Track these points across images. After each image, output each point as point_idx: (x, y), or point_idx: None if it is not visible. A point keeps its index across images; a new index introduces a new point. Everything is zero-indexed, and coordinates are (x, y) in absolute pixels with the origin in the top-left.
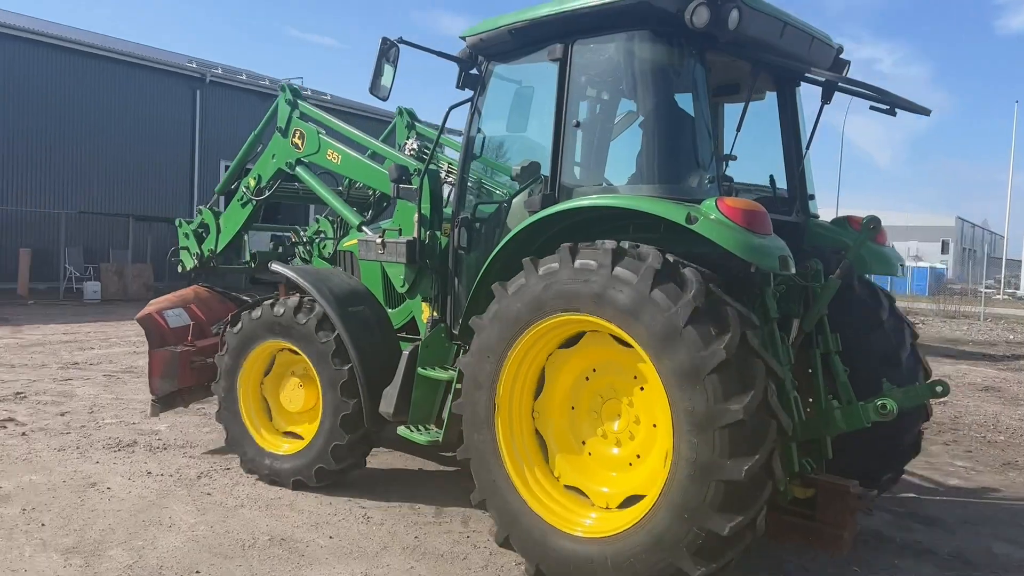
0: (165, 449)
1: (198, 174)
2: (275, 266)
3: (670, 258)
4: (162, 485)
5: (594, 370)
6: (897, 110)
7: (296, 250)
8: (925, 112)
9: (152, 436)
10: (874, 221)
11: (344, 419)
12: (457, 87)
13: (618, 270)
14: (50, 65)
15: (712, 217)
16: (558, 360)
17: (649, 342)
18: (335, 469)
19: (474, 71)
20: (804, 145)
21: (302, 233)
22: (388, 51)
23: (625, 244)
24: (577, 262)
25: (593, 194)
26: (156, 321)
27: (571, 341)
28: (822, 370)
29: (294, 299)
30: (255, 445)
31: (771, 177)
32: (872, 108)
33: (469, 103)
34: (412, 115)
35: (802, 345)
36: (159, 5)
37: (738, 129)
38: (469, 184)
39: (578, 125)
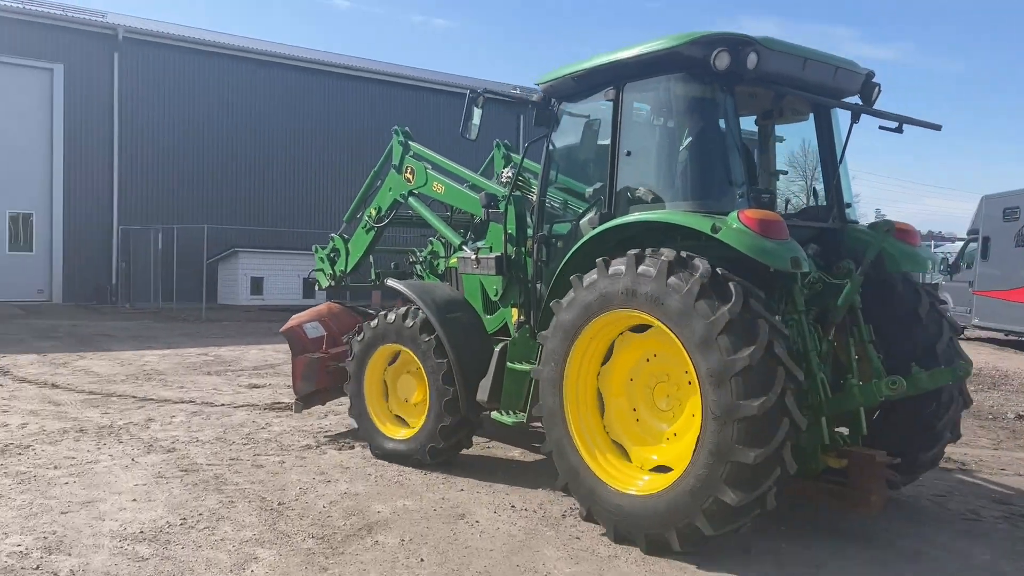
0: (524, 478)
1: None
2: (390, 281)
3: (717, 271)
4: (528, 523)
5: (655, 355)
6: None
7: (414, 268)
8: (936, 127)
9: (512, 464)
10: (887, 224)
11: (447, 404)
12: (535, 125)
13: (671, 279)
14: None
15: (734, 226)
16: (627, 339)
17: (691, 344)
18: (443, 447)
19: (547, 111)
20: (838, 160)
21: (419, 254)
22: (475, 100)
23: (682, 255)
24: (640, 267)
25: (643, 210)
26: (297, 333)
27: (641, 328)
28: (856, 355)
29: (403, 308)
30: (380, 434)
31: (814, 188)
32: (881, 128)
33: (544, 138)
34: (508, 147)
35: (846, 332)
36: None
37: (762, 150)
38: (547, 206)
39: (629, 154)
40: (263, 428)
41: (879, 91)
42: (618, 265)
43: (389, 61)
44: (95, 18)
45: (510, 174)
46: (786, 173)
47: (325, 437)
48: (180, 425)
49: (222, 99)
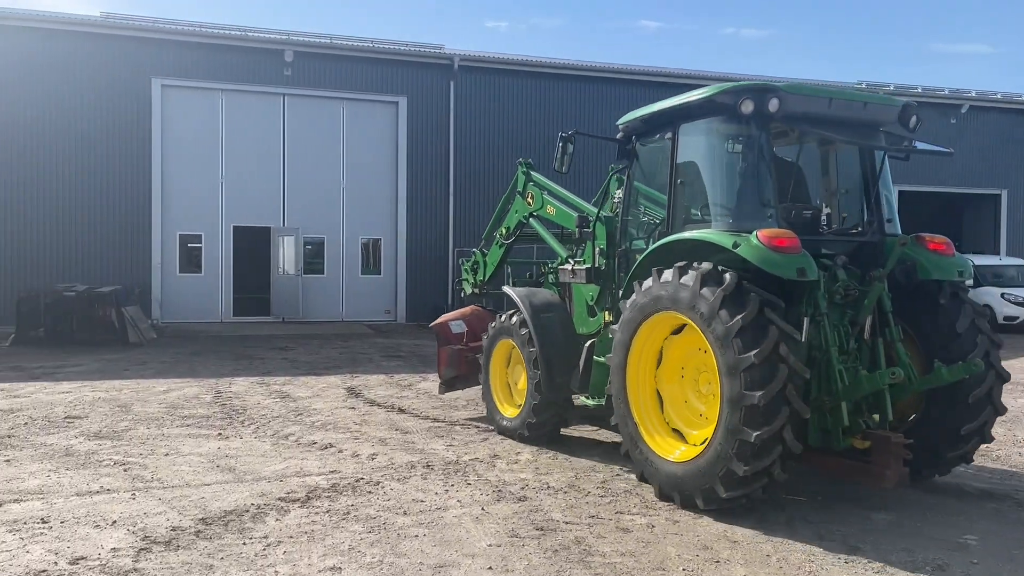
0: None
1: None
2: (505, 288)
3: (744, 283)
4: None
5: (700, 349)
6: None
7: (546, 278)
8: (948, 154)
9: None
10: (904, 239)
11: (535, 386)
12: (617, 158)
13: (704, 289)
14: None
15: (751, 243)
16: (671, 343)
17: (715, 342)
18: (536, 422)
19: (628, 146)
20: (876, 179)
21: (549, 266)
22: (568, 138)
23: (717, 268)
24: (682, 278)
25: (692, 230)
26: (444, 328)
27: (678, 330)
28: (885, 354)
29: (512, 310)
30: (499, 412)
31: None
32: (890, 156)
33: (626, 169)
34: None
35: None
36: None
37: (823, 172)
38: (628, 226)
39: (682, 183)
40: (618, 475)
41: (918, 120)
42: (667, 274)
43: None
44: (434, 50)
45: (620, 196)
46: (847, 192)
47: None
48: (527, 465)
49: (546, 115)
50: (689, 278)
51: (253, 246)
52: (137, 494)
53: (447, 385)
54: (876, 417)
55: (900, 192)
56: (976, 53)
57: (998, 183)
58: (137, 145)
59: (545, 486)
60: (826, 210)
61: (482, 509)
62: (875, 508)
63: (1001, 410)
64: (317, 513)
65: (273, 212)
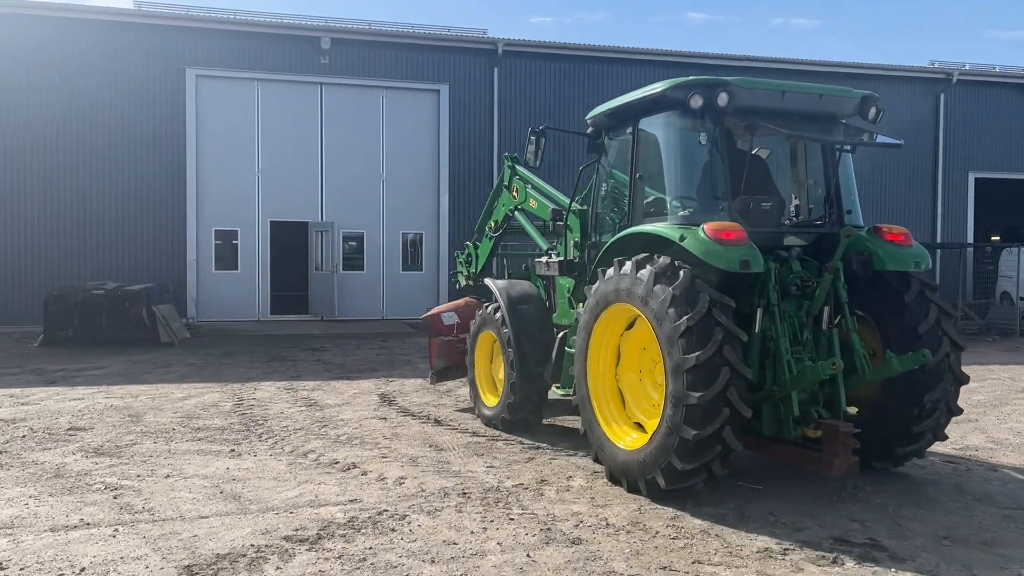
0: None
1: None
2: (487, 280)
3: (697, 281)
4: None
5: (650, 343)
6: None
7: (532, 271)
8: (898, 146)
9: None
10: (848, 230)
11: (511, 376)
12: (587, 152)
13: (656, 286)
14: None
15: (698, 236)
16: (627, 339)
17: (662, 340)
18: (511, 417)
19: (597, 141)
20: (832, 172)
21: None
22: (539, 134)
23: (674, 264)
24: (639, 271)
25: (649, 223)
26: (435, 320)
27: (633, 324)
28: (840, 345)
29: (494, 303)
30: (482, 402)
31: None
32: (837, 149)
33: (596, 163)
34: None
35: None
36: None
37: (792, 164)
38: (596, 220)
39: (641, 177)
40: (690, 508)
41: (878, 111)
42: (627, 266)
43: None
44: (477, 35)
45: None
46: (809, 184)
47: (761, 550)
48: (581, 494)
49: (593, 102)
50: (645, 273)
51: (290, 242)
52: (120, 530)
53: (439, 375)
54: (854, 410)
55: (976, 179)
56: None
57: None
58: (171, 138)
59: (603, 523)
60: (794, 202)
61: (527, 556)
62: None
63: (956, 411)
64: (327, 559)
65: (311, 206)
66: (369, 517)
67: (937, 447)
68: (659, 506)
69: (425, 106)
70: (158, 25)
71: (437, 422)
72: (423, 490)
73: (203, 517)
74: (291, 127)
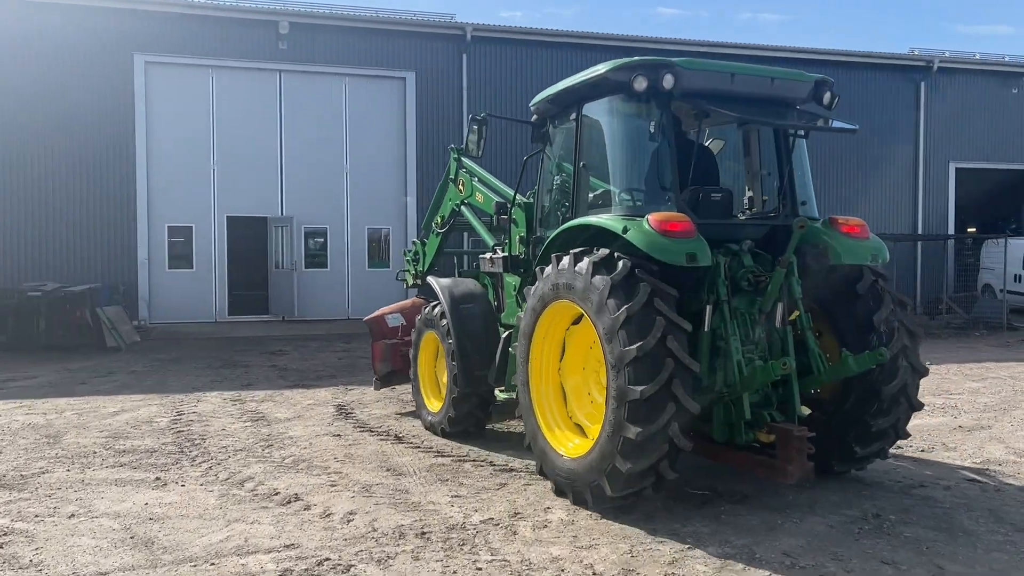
0: None
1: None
2: (429, 278)
3: (636, 271)
4: None
5: (594, 342)
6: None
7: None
8: (853, 131)
9: None
10: (801, 221)
11: (453, 379)
12: (531, 141)
13: (595, 278)
14: None
15: (642, 228)
16: (573, 334)
17: (602, 334)
18: (455, 416)
19: (542, 130)
20: (786, 161)
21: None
22: (481, 122)
23: (613, 255)
24: (577, 264)
25: (594, 214)
26: (379, 322)
27: (579, 319)
28: (793, 342)
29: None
30: (425, 407)
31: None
32: (791, 135)
33: (540, 153)
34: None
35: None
36: None
37: (746, 153)
38: (542, 213)
39: (585, 166)
40: (691, 548)
41: (832, 96)
42: (564, 261)
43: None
44: (444, 19)
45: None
46: (763, 174)
47: None
48: (561, 531)
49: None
50: (583, 266)
51: (249, 238)
52: None
53: (383, 381)
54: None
55: (957, 169)
56: (997, 34)
57: None
58: (119, 129)
59: (589, 571)
60: (747, 193)
61: None
62: None
63: (917, 406)
64: None
65: (270, 201)
66: (306, 569)
67: (956, 459)
68: (653, 546)
69: (390, 94)
70: (103, 8)
71: (398, 439)
72: (374, 529)
73: (101, 574)
74: (248, 117)
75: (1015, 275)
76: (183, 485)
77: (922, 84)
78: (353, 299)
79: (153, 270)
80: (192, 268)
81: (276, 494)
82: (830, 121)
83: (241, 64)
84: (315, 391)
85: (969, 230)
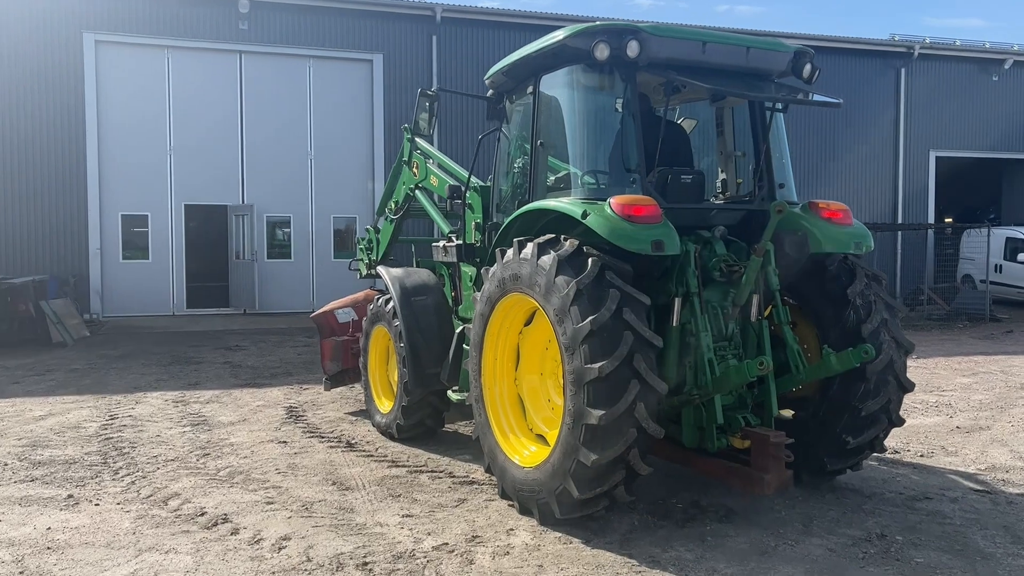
0: None
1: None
2: (379, 268)
3: (583, 248)
4: None
5: (550, 340)
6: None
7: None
8: (837, 105)
9: None
10: (780, 205)
11: (405, 385)
12: (487, 119)
13: (541, 259)
14: None
15: (603, 212)
16: (527, 337)
17: (553, 318)
18: (405, 424)
19: (499, 106)
20: (762, 142)
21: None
22: (431, 97)
23: (559, 238)
24: (541, 256)
25: (552, 197)
26: (328, 319)
27: (532, 319)
28: (770, 337)
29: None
30: (375, 407)
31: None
32: (768, 109)
33: (497, 131)
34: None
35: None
36: None
37: (718, 133)
38: (500, 197)
39: (542, 144)
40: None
41: (813, 68)
42: (511, 252)
43: None
44: (415, 0)
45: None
46: (743, 155)
47: None
48: (525, 558)
49: None
50: (547, 260)
51: (208, 228)
52: None
53: (333, 381)
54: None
55: (936, 158)
56: (971, 27)
57: None
58: (68, 112)
59: None
60: (720, 175)
61: None
62: None
63: (907, 385)
64: None
65: (230, 188)
66: None
67: (958, 465)
68: (634, 573)
69: (357, 78)
70: None
71: (350, 446)
72: (309, 559)
73: None
74: (207, 100)
75: (996, 265)
76: (97, 504)
77: (902, 71)
78: (318, 291)
79: (106, 261)
80: (148, 259)
81: (202, 514)
82: (810, 95)
83: (199, 44)
84: (267, 391)
85: (946, 220)
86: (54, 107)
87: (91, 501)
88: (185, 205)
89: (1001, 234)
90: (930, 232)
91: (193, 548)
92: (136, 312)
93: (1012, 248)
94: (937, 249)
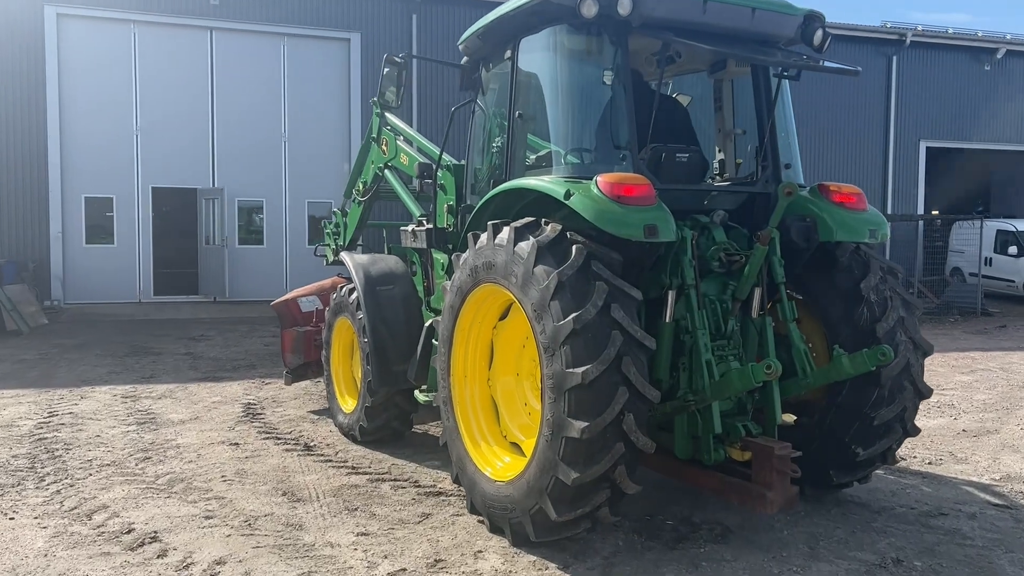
0: None
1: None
2: (342, 254)
3: (567, 234)
4: None
5: (527, 337)
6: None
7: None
8: (854, 74)
9: None
10: (789, 186)
11: (369, 384)
12: (460, 89)
13: (519, 245)
14: None
15: (589, 192)
16: (501, 332)
17: (531, 314)
18: (369, 426)
19: (474, 75)
20: (767, 117)
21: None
22: (396, 64)
23: (539, 222)
24: (518, 242)
25: (531, 176)
26: (289, 307)
27: (507, 313)
28: (774, 336)
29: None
30: (337, 405)
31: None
32: (776, 75)
33: (471, 103)
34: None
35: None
36: None
37: (716, 107)
38: (475, 176)
39: (521, 116)
40: None
41: (825, 35)
42: (483, 237)
43: None
44: None
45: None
46: (744, 133)
47: None
48: None
49: None
50: (525, 247)
51: (176, 212)
52: None
53: (294, 375)
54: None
55: (927, 148)
56: (956, 22)
57: None
58: (27, 89)
59: None
60: (718, 155)
61: None
62: None
63: (924, 391)
64: None
65: (200, 171)
66: None
67: (971, 474)
68: None
69: (333, 57)
70: None
71: (307, 449)
72: None
73: None
74: (176, 78)
75: (986, 258)
76: (12, 518)
77: (894, 58)
78: (292, 278)
79: (68, 245)
80: (113, 244)
81: (129, 531)
82: (821, 63)
83: (167, 19)
84: (225, 385)
85: (933, 212)
86: (13, 83)
87: (5, 514)
88: (152, 188)
89: (992, 227)
90: (920, 224)
91: (111, 574)
92: (100, 299)
93: (1003, 241)
94: (926, 241)
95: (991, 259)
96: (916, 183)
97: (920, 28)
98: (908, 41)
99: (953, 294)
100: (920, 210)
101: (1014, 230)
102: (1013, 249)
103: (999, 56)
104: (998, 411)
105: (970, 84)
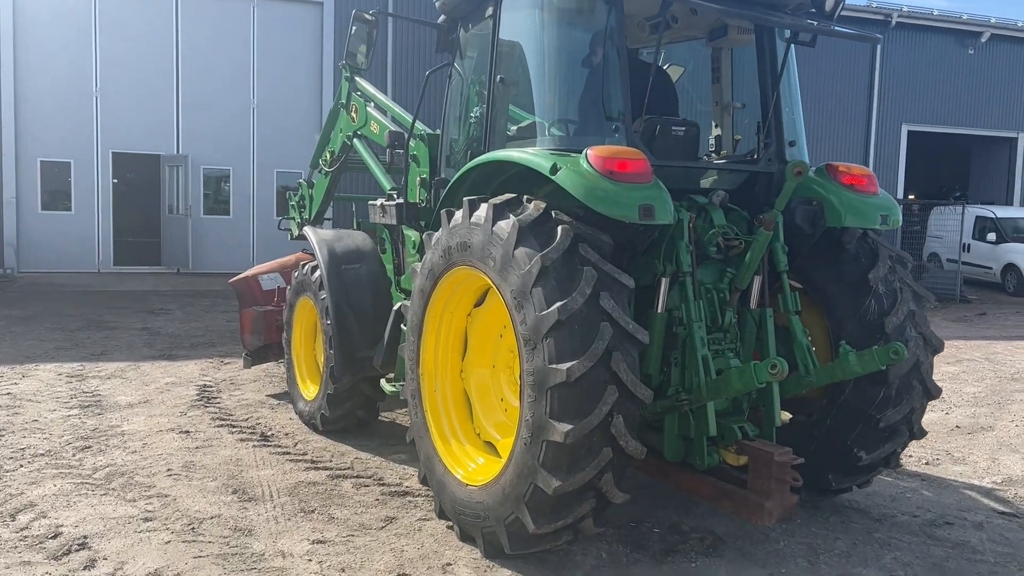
0: None
1: None
2: (306, 229)
3: (552, 213)
4: None
5: (505, 326)
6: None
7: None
8: (874, 41)
9: None
10: (799, 165)
11: (331, 370)
12: (437, 51)
13: (498, 224)
14: None
15: (578, 166)
16: (476, 320)
17: (510, 302)
18: (331, 415)
19: (452, 36)
20: (771, 89)
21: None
22: (368, 22)
23: (521, 198)
24: (497, 221)
25: (513, 148)
26: (249, 285)
27: (483, 299)
28: (774, 330)
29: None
30: (298, 391)
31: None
32: (786, 41)
33: (448, 66)
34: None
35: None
36: None
37: (714, 78)
38: (451, 147)
39: (502, 81)
40: None
41: (837, 2)
42: (457, 216)
43: None
44: None
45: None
46: (743, 106)
47: None
48: None
49: None
50: (504, 226)
51: (139, 178)
52: None
53: (254, 357)
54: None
55: (908, 132)
56: (941, 4)
57: (1015, 125)
58: None
59: None
60: (715, 130)
61: None
62: None
63: (934, 392)
64: None
65: (164, 136)
66: None
67: (970, 477)
68: None
69: (305, 21)
70: None
71: (264, 439)
72: None
73: None
74: (138, 39)
75: (964, 244)
76: None
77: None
78: (259, 250)
79: (22, 212)
80: (70, 210)
81: (55, 536)
82: (831, 26)
83: None
84: (181, 365)
85: (910, 197)
86: None
87: None
88: (113, 153)
89: (972, 212)
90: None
91: None
92: (57, 268)
93: (981, 227)
94: (904, 226)
95: (969, 245)
96: (897, 167)
97: (906, 9)
98: (894, 22)
99: (930, 280)
100: (900, 195)
101: (993, 216)
102: (992, 236)
103: (983, 40)
104: (989, 405)
105: (953, 67)
